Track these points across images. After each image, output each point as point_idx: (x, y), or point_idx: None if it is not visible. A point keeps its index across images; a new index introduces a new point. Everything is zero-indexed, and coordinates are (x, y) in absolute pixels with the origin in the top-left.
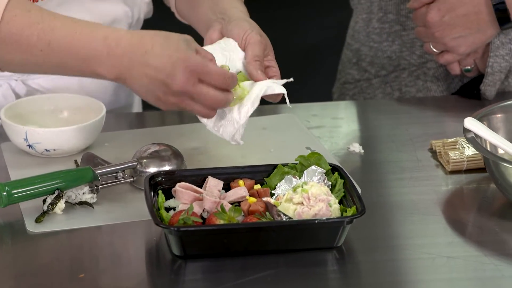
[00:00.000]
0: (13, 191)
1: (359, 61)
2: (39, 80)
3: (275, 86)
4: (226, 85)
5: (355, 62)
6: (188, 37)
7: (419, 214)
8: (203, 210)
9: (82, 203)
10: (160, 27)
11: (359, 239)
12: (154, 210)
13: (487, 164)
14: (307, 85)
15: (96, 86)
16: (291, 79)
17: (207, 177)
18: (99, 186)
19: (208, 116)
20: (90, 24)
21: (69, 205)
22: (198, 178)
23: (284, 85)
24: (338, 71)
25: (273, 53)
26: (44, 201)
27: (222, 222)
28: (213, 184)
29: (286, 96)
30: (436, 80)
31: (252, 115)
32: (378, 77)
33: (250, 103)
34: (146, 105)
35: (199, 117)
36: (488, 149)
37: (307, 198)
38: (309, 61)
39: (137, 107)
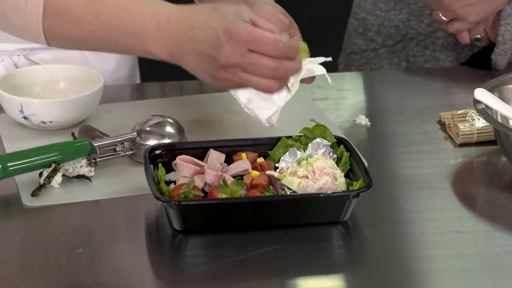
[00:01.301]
0: (9, 164)
1: (365, 30)
2: (41, 55)
3: (315, 68)
4: (281, 53)
5: (361, 32)
6: (241, 7)
7: (428, 188)
8: (205, 184)
9: (79, 177)
10: None
11: (366, 213)
12: (154, 183)
13: (498, 136)
14: (312, 56)
15: (98, 58)
16: (330, 59)
17: (208, 150)
18: (97, 159)
19: (271, 89)
20: None
21: (66, 178)
22: (199, 151)
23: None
24: (344, 41)
25: (299, 34)
26: (40, 174)
27: (224, 196)
28: (215, 157)
29: (327, 76)
30: (445, 49)
31: None
32: (385, 47)
33: (289, 86)
34: (145, 76)
35: (233, 92)
36: (499, 120)
37: (312, 171)
38: (314, 31)
39: (138, 78)
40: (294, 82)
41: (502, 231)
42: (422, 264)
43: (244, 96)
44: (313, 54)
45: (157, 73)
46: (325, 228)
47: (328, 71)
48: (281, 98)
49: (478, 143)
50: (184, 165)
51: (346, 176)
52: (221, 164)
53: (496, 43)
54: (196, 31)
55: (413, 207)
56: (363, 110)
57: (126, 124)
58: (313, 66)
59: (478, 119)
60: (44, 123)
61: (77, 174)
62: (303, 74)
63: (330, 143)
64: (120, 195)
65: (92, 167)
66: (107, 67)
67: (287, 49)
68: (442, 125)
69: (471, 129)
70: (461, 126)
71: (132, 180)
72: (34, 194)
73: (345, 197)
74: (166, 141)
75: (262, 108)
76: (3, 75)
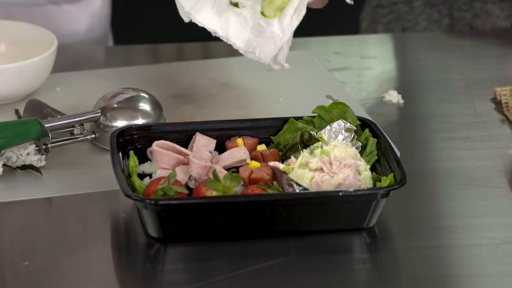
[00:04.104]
0: None
1: None
2: None
3: None
4: None
5: None
6: None
7: (478, 185)
8: (189, 178)
9: (26, 167)
10: None
11: (397, 218)
12: (123, 177)
13: None
14: (327, 12)
15: (63, 15)
16: None
17: (194, 134)
18: (49, 145)
19: None
20: None
21: (9, 169)
22: (182, 135)
23: None
24: None
25: None
26: None
27: (214, 193)
28: (203, 144)
29: None
30: (499, 1)
31: None
32: None
33: (294, 11)
34: (118, 38)
35: (228, 39)
36: None
37: (328, 162)
38: None
39: (109, 40)
40: (299, 5)
41: None
42: (470, 284)
43: (239, 39)
44: (329, 10)
45: (131, 36)
46: (345, 237)
47: (348, 32)
48: (286, 29)
49: None
50: (163, 153)
51: (372, 169)
52: (210, 152)
53: None
54: None
55: (458, 210)
56: (394, 83)
57: (87, 100)
58: None
59: None
60: None
61: (22, 163)
62: None
63: (353, 127)
64: (78, 192)
65: (42, 155)
66: (76, 27)
67: None
68: (498, 104)
69: None
70: None
71: (94, 172)
72: None
73: (371, 196)
74: (139, 121)
75: (263, 46)
76: None
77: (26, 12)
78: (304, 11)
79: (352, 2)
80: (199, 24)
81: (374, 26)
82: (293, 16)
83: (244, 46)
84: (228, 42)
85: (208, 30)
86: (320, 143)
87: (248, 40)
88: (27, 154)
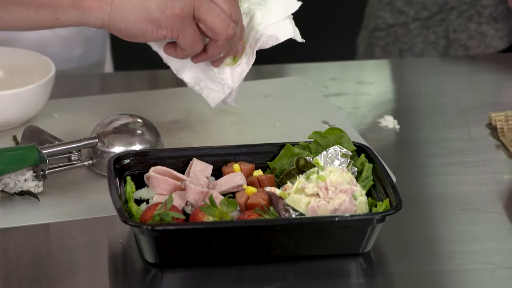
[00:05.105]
0: None
1: (393, 0)
2: None
3: (279, 32)
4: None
5: (388, 2)
6: None
7: (473, 210)
8: (186, 203)
9: (23, 193)
10: None
11: (393, 243)
12: (120, 202)
13: None
14: (324, 37)
15: (59, 40)
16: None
17: (191, 160)
18: (47, 171)
19: (194, 48)
20: None
21: (6, 195)
22: (179, 161)
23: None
24: (366, 16)
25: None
26: None
27: (211, 219)
28: (199, 169)
29: (296, 37)
30: (494, 22)
31: (252, 78)
32: (418, 20)
33: (245, 60)
34: (118, 64)
35: (175, 70)
36: None
37: (324, 188)
38: (325, 4)
39: (109, 66)
40: (250, 54)
41: None
42: None
43: (188, 75)
44: (326, 35)
45: (130, 62)
46: (341, 262)
47: (345, 57)
48: (236, 77)
49: None
50: (160, 179)
51: (368, 194)
52: (207, 178)
53: None
54: None
55: (454, 235)
56: (390, 109)
57: (84, 126)
58: (276, 30)
59: None
60: None
61: (20, 190)
62: (263, 42)
63: (349, 152)
64: (76, 218)
65: (39, 181)
66: (71, 52)
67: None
68: (493, 129)
69: None
70: None
71: (91, 198)
72: None
73: (367, 221)
74: (137, 147)
75: (211, 90)
76: None
77: (17, 34)
78: (253, 59)
79: (303, 41)
80: (153, 49)
81: (372, 49)
82: (244, 65)
83: (192, 82)
84: (178, 76)
85: (162, 57)
86: (316, 168)
87: (198, 77)
88: (25, 180)
